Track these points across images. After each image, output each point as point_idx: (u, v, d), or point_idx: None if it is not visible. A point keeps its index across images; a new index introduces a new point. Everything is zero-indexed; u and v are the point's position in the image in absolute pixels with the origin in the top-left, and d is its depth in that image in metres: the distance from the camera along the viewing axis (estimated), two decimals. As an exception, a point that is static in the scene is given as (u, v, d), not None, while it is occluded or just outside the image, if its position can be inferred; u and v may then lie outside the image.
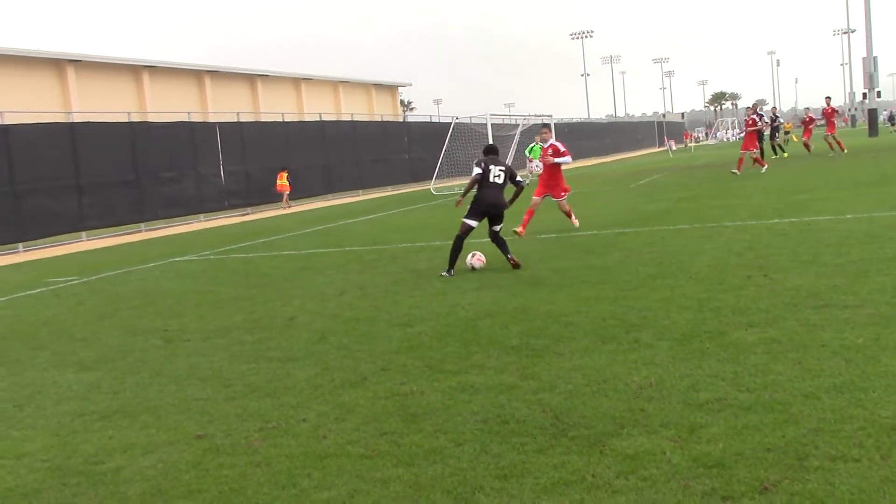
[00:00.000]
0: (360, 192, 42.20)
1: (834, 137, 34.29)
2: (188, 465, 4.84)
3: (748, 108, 33.14)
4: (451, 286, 10.13)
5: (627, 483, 4.03)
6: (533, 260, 11.72)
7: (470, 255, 11.68)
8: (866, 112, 63.48)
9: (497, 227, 11.61)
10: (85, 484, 4.72)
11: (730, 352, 6.10)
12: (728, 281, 8.76)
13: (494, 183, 11.63)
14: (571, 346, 6.69)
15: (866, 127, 61.51)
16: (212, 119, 39.23)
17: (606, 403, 5.22)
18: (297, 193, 37.81)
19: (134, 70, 49.99)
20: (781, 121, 35.89)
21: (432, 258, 13.08)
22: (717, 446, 4.36)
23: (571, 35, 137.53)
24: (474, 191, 11.68)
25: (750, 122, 28.64)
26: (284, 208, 35.86)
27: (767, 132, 33.21)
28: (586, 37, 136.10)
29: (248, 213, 34.02)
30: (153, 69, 51.02)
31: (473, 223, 11.65)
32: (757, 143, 28.38)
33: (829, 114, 35.03)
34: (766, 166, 27.57)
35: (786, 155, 33.47)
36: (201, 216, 32.08)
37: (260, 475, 4.59)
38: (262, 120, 43.99)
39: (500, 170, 11.73)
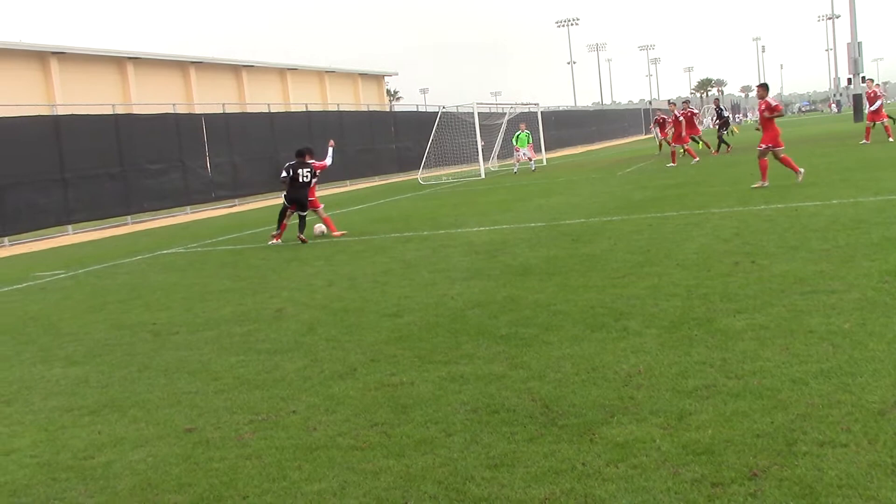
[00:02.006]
0: (348, 182, 42.12)
1: (699, 138, 31.24)
2: (178, 459, 4.83)
3: (680, 102, 32.87)
4: (440, 276, 10.13)
5: (617, 471, 4.04)
6: (521, 248, 11.73)
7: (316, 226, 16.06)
8: (851, 97, 63.69)
9: (303, 213, 15.46)
10: (74, 479, 4.70)
11: (718, 339, 6.12)
12: (716, 268, 8.78)
13: (303, 183, 15.27)
14: (560, 335, 6.70)
15: (851, 112, 61.74)
16: (197, 110, 39.14)
17: (596, 391, 5.23)
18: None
19: (118, 62, 49.70)
20: (728, 115, 34.13)
21: (420, 248, 13.06)
22: (707, 433, 4.37)
23: (557, 23, 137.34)
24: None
25: (677, 116, 29.19)
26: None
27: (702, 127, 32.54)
28: (572, 25, 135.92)
29: (235, 205, 33.92)
30: (137, 61, 50.75)
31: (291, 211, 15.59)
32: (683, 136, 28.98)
33: (689, 117, 30.08)
34: (696, 158, 28.17)
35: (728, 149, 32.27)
36: (188, 208, 31.96)
37: (250, 468, 4.58)
38: (248, 111, 43.81)
39: (308, 171, 15.24)
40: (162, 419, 5.64)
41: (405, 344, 6.96)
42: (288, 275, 11.71)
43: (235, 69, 59.57)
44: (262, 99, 52.85)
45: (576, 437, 4.52)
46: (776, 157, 16.80)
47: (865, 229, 10.06)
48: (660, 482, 3.87)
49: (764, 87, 17.45)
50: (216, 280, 11.94)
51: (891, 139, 27.68)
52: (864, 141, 28.12)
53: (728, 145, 32.83)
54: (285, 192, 15.79)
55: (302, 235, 15.13)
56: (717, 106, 35.01)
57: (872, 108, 29.09)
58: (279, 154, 37.26)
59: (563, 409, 4.97)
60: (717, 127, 34.61)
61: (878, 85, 30.41)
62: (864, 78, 31.78)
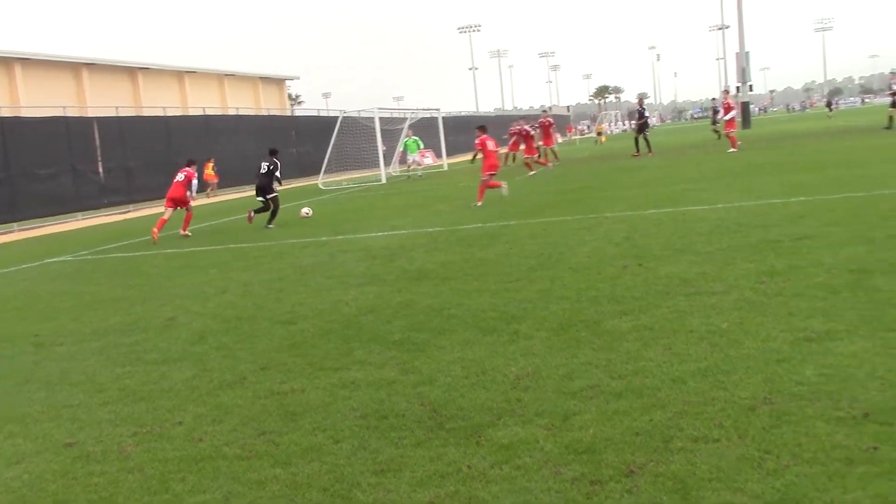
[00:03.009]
0: (247, 187, 41.46)
1: (552, 150, 34.25)
2: (55, 475, 4.67)
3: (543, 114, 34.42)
4: (336, 282, 10.08)
5: (501, 472, 4.11)
6: (418, 253, 11.78)
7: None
8: (740, 105, 66.20)
9: (262, 199, 19.05)
10: (-57, 499, 4.50)
11: (604, 340, 6.28)
12: (606, 271, 9.00)
13: (260, 173, 19.09)
14: (452, 339, 6.76)
15: (741, 119, 64.16)
16: (90, 114, 37.90)
17: (484, 395, 5.30)
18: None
19: (6, 63, 47.69)
20: (648, 115, 35.83)
21: (318, 254, 12.97)
22: (588, 432, 4.48)
23: (459, 29, 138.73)
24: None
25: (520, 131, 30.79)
26: (209, 197, 36.94)
27: (573, 134, 35.42)
28: (474, 31, 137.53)
29: (129, 211, 33.03)
30: (26, 62, 48.79)
31: (259, 198, 19.24)
32: (533, 147, 30.96)
33: (546, 126, 33.78)
34: (534, 171, 29.32)
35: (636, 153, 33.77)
36: (79, 214, 30.95)
37: (132, 481, 4.47)
38: (144, 114, 42.69)
39: (266, 164, 19.00)
40: (41, 434, 5.45)
41: (297, 351, 6.91)
42: (181, 282, 11.46)
43: (131, 71, 57.87)
44: (159, 102, 51.51)
45: (462, 441, 4.57)
46: (483, 182, 19.15)
47: (746, 232, 10.48)
48: (541, 482, 3.95)
49: (482, 129, 20.11)
50: (106, 288, 11.60)
51: (732, 150, 29.71)
52: (732, 149, 29.65)
53: (650, 149, 33.67)
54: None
55: (253, 213, 19.25)
56: (641, 106, 35.81)
57: (727, 118, 30.89)
58: (176, 158, 36.43)
59: (452, 413, 5.02)
60: (635, 129, 35.82)
61: (732, 97, 32.47)
62: (726, 91, 34.18)
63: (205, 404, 5.71)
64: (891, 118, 33.99)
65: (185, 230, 18.55)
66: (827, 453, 3.91)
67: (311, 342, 7.16)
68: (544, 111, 36.44)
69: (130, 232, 21.93)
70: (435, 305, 8.12)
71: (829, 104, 79.90)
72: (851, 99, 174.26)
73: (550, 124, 33.92)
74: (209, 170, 38.51)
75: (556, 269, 9.46)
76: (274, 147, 20.37)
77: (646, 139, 33.86)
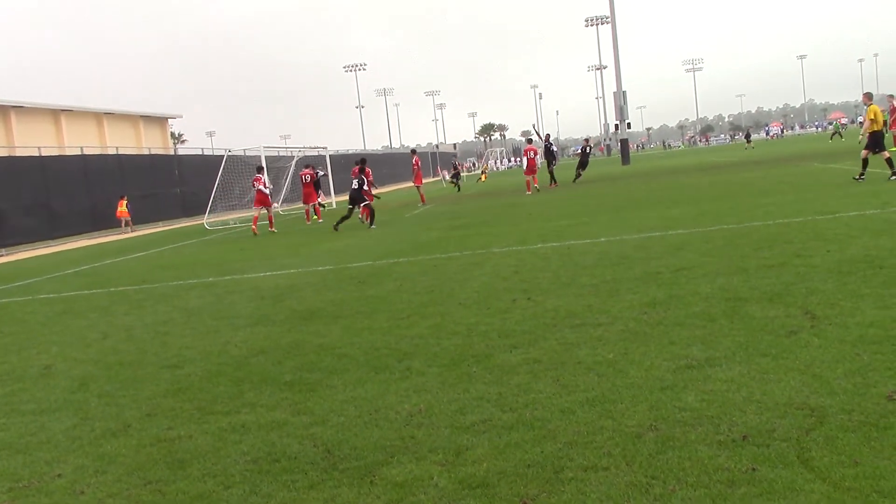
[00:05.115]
0: (129, 228, 40.25)
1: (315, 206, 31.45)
2: (-77, 537, 4.40)
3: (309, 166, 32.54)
4: (224, 324, 9.87)
5: (396, 511, 4.09)
6: (308, 292, 11.67)
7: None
8: (619, 142, 68.60)
9: (351, 207, 24.14)
10: None
11: (495, 374, 6.36)
12: (495, 305, 9.13)
13: (353, 188, 23.81)
14: (344, 378, 6.71)
15: (619, 156, 66.45)
16: (-44, 154, 36.19)
17: (377, 433, 5.28)
18: (57, 232, 35.59)
19: None
20: (554, 148, 39.64)
21: (205, 295, 12.68)
22: (482, 466, 4.52)
23: (345, 68, 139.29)
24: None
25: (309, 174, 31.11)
26: (128, 233, 37.05)
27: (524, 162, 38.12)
28: (360, 70, 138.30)
29: (2, 255, 31.54)
30: None
31: (350, 206, 24.14)
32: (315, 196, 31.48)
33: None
34: (320, 220, 30.65)
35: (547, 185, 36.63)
36: (-54, 260, 29.33)
37: (7, 540, 4.24)
38: (17, 154, 41.04)
39: (356, 181, 23.65)
40: None
41: (185, 396, 6.72)
42: (59, 328, 11.00)
43: (3, 109, 55.62)
44: (33, 142, 49.57)
45: (356, 480, 4.53)
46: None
47: (629, 265, 10.82)
48: (436, 518, 3.95)
49: (259, 170, 26.19)
50: (-24, 337, 11.01)
51: (528, 192, 33.44)
52: (528, 192, 33.26)
53: (554, 181, 37.08)
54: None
55: (372, 226, 23.55)
56: (547, 141, 39.48)
57: (529, 166, 34.67)
58: (52, 200, 35.15)
59: (345, 453, 4.98)
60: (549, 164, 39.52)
61: (533, 148, 35.69)
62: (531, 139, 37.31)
63: (87, 455, 5.48)
64: (578, 174, 39.04)
65: (272, 227, 26.37)
66: (710, 476, 4.06)
67: (199, 386, 6.98)
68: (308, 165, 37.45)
69: (2, 277, 20.93)
70: (326, 345, 8.05)
71: (747, 137, 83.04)
72: (722, 136, 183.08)
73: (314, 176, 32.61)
74: (122, 207, 39.18)
75: (446, 304, 9.53)
76: (363, 157, 25.10)
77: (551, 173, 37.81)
